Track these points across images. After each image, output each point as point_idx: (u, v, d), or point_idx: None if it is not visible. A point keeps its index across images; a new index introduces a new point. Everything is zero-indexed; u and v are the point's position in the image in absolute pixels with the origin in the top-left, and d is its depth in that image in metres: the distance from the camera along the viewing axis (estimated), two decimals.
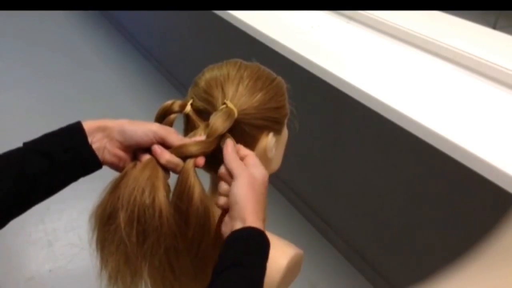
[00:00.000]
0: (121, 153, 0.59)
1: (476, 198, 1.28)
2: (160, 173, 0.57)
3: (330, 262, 1.85)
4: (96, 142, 0.58)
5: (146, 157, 0.58)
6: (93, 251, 0.59)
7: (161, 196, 0.55)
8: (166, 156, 0.57)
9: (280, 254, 0.64)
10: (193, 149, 0.58)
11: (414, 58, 1.32)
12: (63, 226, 1.93)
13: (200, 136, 0.59)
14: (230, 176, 0.57)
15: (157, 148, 0.57)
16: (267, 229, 0.67)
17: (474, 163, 0.93)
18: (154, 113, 0.64)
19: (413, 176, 1.48)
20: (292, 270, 0.66)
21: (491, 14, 3.70)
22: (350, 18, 1.55)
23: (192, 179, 0.57)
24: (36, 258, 1.80)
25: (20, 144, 0.56)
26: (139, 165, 0.58)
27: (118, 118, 0.59)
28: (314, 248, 1.89)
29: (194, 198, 0.57)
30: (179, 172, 0.58)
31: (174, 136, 0.58)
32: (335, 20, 1.56)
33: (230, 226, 0.55)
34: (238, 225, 0.54)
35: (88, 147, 0.57)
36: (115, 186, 0.57)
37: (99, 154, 0.58)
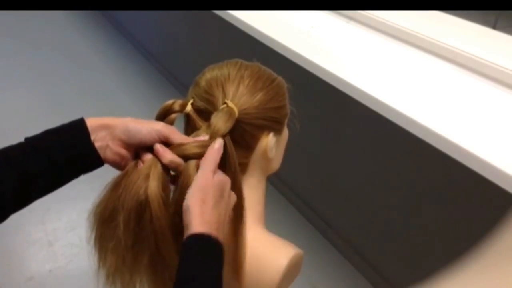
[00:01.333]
0: (123, 152, 0.59)
1: (476, 198, 1.28)
2: (158, 172, 0.57)
3: (330, 262, 1.85)
4: (99, 140, 0.57)
5: (148, 156, 0.58)
6: (91, 250, 0.59)
7: (153, 191, 0.55)
8: (168, 156, 0.57)
9: (280, 254, 0.64)
10: (196, 150, 0.57)
11: (414, 58, 1.32)
12: (63, 226, 1.93)
13: (203, 136, 0.59)
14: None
15: (159, 148, 0.57)
16: (267, 229, 0.68)
17: (474, 163, 0.93)
18: (155, 113, 0.64)
19: (413, 176, 1.48)
20: (292, 270, 0.66)
21: (491, 14, 3.70)
22: (350, 18, 1.55)
23: (192, 180, 0.57)
24: (36, 258, 1.80)
25: None
26: (140, 165, 0.58)
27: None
28: (314, 248, 1.89)
29: None
30: (180, 172, 0.58)
31: (177, 135, 0.58)
32: (335, 20, 1.56)
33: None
34: (186, 233, 0.53)
35: (90, 144, 0.56)
36: (116, 185, 0.57)
37: (101, 153, 0.57)
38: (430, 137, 1.01)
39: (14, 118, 2.61)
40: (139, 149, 0.59)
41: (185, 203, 0.54)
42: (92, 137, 0.57)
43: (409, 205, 1.53)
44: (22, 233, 1.88)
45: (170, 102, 0.63)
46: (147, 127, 0.57)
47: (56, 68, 3.21)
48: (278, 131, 0.66)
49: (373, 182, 1.65)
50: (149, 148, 0.58)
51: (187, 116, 0.64)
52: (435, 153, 1.01)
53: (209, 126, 0.59)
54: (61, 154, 0.55)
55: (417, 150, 1.41)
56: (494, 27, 3.60)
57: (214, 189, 0.55)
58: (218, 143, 0.58)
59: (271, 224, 0.71)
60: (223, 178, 0.57)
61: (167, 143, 0.58)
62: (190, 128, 0.64)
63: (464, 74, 1.23)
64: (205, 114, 0.62)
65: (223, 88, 0.62)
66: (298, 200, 2.06)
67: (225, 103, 0.60)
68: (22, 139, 0.56)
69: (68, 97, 2.86)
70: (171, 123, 0.63)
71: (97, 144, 0.57)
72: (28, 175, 0.53)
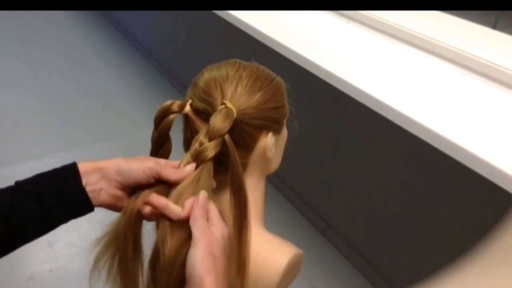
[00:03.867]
0: (119, 193, 0.58)
1: (476, 198, 1.28)
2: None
3: (330, 262, 1.85)
4: (92, 184, 0.56)
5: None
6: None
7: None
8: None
9: (280, 254, 0.64)
10: (209, 154, 0.58)
11: (414, 58, 1.32)
12: (63, 226, 1.92)
13: (190, 165, 0.58)
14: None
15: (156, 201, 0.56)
16: (267, 229, 0.68)
17: (474, 163, 0.93)
18: (154, 113, 0.64)
19: (413, 176, 1.48)
20: (292, 270, 0.66)
21: (491, 14, 3.70)
22: (350, 18, 1.55)
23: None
24: (36, 258, 1.80)
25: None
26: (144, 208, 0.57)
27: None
28: (314, 248, 1.89)
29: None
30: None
31: (168, 171, 0.57)
32: (335, 20, 1.56)
33: None
34: None
35: (82, 189, 0.55)
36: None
37: (94, 196, 0.56)
38: (430, 137, 1.01)
39: (14, 118, 2.61)
40: (135, 188, 0.58)
41: (193, 271, 0.50)
42: (84, 181, 0.56)
43: (409, 204, 1.52)
44: None
45: (168, 102, 0.63)
46: (139, 166, 0.57)
47: (56, 68, 3.21)
48: (277, 131, 0.66)
49: (373, 181, 1.65)
50: (145, 186, 0.58)
51: (186, 117, 0.64)
52: (435, 153, 1.01)
53: (208, 128, 0.59)
54: (51, 200, 0.54)
55: (416, 150, 1.41)
56: (494, 27, 3.60)
57: (220, 247, 0.53)
58: (202, 195, 0.56)
59: (271, 224, 0.71)
60: (226, 230, 0.55)
61: (160, 178, 0.57)
62: (189, 128, 0.64)
63: (464, 74, 1.23)
64: (204, 114, 0.62)
65: (221, 89, 0.62)
66: (298, 200, 2.06)
67: (223, 103, 0.60)
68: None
69: (68, 97, 2.86)
70: (170, 123, 0.63)
71: (89, 188, 0.56)
72: (15, 220, 0.52)
